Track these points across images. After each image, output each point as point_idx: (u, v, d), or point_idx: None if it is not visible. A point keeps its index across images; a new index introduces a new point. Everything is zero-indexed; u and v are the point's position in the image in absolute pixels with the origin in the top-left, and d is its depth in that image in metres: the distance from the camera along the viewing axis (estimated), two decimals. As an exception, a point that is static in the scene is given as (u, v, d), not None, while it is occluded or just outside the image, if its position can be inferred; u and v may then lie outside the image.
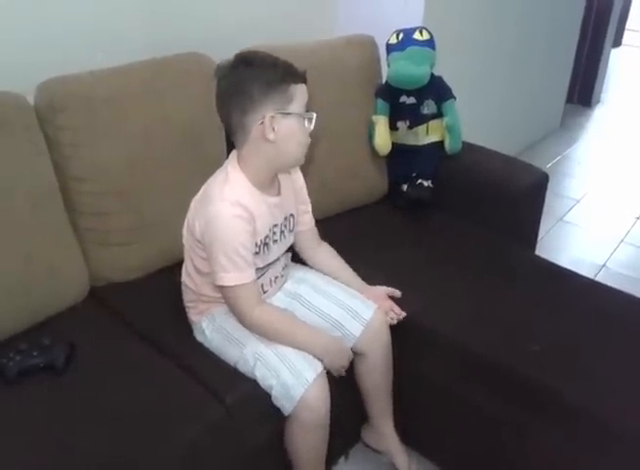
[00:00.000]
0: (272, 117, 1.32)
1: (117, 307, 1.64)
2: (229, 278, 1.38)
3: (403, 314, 1.63)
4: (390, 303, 1.66)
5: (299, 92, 1.36)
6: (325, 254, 1.69)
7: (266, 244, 1.46)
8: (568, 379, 1.46)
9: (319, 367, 1.41)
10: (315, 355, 1.44)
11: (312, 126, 1.40)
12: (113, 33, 1.90)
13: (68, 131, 1.58)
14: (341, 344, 1.52)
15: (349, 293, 1.62)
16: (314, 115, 1.39)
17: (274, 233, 1.49)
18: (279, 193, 1.49)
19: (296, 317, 1.54)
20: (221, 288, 1.41)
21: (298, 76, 1.35)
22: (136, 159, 1.67)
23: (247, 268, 1.39)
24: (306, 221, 1.63)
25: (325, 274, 1.66)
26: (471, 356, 1.57)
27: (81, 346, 1.45)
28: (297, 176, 1.60)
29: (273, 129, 1.33)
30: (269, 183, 1.46)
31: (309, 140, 1.43)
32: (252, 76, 1.32)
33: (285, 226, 1.53)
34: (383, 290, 1.69)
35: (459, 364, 1.60)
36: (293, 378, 1.37)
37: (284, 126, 1.34)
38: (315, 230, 1.67)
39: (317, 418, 1.41)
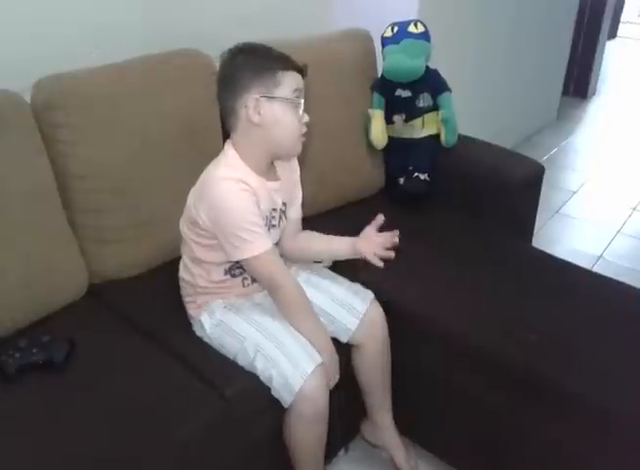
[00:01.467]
0: (256, 99, 1.36)
1: (116, 304, 1.64)
2: (252, 248, 1.39)
3: (391, 254, 1.61)
4: (378, 242, 1.62)
5: (289, 78, 1.39)
6: (304, 238, 1.67)
7: (268, 226, 1.48)
8: (565, 368, 1.46)
9: (318, 359, 1.41)
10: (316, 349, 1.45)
11: (301, 112, 1.42)
12: (109, 30, 1.89)
13: (65, 129, 1.58)
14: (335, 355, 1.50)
15: (344, 286, 1.62)
16: (302, 101, 1.42)
17: (273, 217, 1.50)
18: (278, 178, 1.51)
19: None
20: (246, 262, 1.42)
21: (289, 63, 1.40)
22: (134, 155, 1.68)
23: (264, 235, 1.42)
24: (294, 211, 1.63)
25: (310, 259, 1.67)
26: (468, 347, 1.58)
27: (80, 342, 1.45)
28: (295, 166, 1.61)
29: (259, 113, 1.37)
30: (266, 169, 1.48)
31: (303, 129, 1.45)
32: (243, 63, 1.38)
33: (283, 212, 1.54)
34: (371, 232, 1.64)
35: (457, 355, 1.61)
36: (292, 368, 1.37)
37: (269, 110, 1.38)
38: (299, 223, 1.67)
39: (316, 410, 1.42)
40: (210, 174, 1.43)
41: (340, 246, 1.66)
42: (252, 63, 1.38)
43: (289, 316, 1.46)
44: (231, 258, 1.44)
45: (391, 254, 1.61)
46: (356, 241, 1.63)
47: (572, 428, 1.44)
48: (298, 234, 1.68)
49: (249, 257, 1.40)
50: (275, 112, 1.39)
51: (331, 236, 1.68)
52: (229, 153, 1.44)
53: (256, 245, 1.39)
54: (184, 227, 1.50)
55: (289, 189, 1.57)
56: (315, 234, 1.68)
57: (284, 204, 1.54)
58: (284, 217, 1.57)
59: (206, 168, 1.46)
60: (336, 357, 1.49)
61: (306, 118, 1.44)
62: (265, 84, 1.37)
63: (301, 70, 1.42)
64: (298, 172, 1.62)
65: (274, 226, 1.52)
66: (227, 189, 1.37)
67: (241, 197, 1.38)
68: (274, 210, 1.50)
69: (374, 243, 1.62)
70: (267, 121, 1.39)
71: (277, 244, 1.58)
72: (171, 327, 1.56)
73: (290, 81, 1.39)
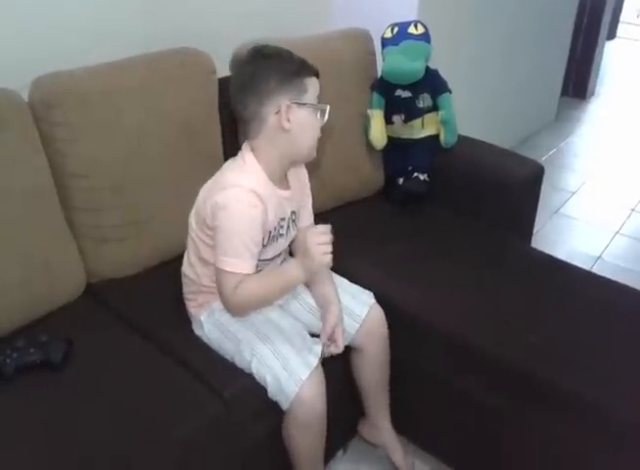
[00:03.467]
0: (288, 106, 1.35)
1: (114, 303, 1.64)
2: (228, 263, 1.37)
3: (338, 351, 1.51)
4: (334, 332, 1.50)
5: (312, 85, 1.40)
6: None
7: (274, 236, 1.47)
8: (565, 369, 1.46)
9: (313, 364, 1.40)
10: (309, 275, 1.41)
11: (325, 119, 1.42)
12: (108, 28, 1.89)
13: (64, 127, 1.57)
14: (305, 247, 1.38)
15: (345, 290, 1.61)
16: (327, 106, 1.41)
17: (281, 227, 1.49)
18: (289, 187, 1.50)
19: (263, 273, 1.49)
20: (217, 270, 1.41)
21: (312, 70, 1.40)
22: (132, 154, 1.67)
23: (249, 259, 1.39)
24: (305, 218, 1.62)
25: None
26: (467, 348, 1.57)
27: (78, 342, 1.44)
28: (304, 173, 1.60)
29: (288, 119, 1.36)
30: (280, 176, 1.47)
31: (320, 134, 1.45)
32: (270, 68, 1.35)
33: (292, 220, 1.54)
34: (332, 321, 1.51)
35: (456, 356, 1.60)
36: (286, 375, 1.37)
37: (298, 117, 1.38)
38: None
39: (313, 414, 1.42)
40: (225, 177, 1.42)
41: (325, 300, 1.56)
42: (279, 68, 1.36)
43: (262, 307, 1.48)
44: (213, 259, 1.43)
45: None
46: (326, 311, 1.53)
47: (572, 428, 1.44)
48: None
49: (219, 267, 1.39)
50: (303, 118, 1.39)
51: (331, 285, 1.58)
52: (247, 158, 1.42)
53: (234, 263, 1.37)
54: (192, 223, 1.49)
55: (299, 197, 1.56)
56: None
57: (293, 213, 1.53)
58: (293, 226, 1.56)
59: (223, 167, 1.46)
60: (312, 243, 1.36)
61: (324, 121, 1.43)
62: (295, 90, 1.36)
63: (318, 74, 1.41)
64: (307, 178, 1.61)
65: (282, 235, 1.51)
66: (239, 199, 1.35)
67: (247, 213, 1.36)
68: (282, 219, 1.49)
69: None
70: (295, 128, 1.38)
71: (280, 254, 1.57)
72: (170, 327, 1.56)
73: (313, 87, 1.40)
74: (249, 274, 1.39)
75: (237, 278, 1.38)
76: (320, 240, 1.35)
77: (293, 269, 1.41)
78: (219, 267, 1.39)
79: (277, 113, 1.36)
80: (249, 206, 1.36)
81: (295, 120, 1.37)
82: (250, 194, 1.35)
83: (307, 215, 1.63)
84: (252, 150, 1.42)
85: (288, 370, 1.37)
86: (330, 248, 1.36)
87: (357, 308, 1.58)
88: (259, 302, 1.46)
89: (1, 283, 1.44)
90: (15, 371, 1.34)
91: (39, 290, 1.54)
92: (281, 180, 1.47)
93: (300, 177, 1.58)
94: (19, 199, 1.48)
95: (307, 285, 1.61)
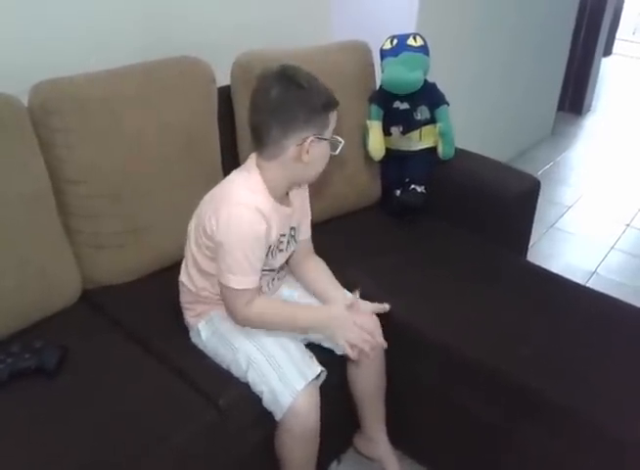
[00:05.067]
0: (312, 140, 1.35)
1: (110, 310, 1.63)
2: (235, 281, 1.39)
3: (382, 344, 1.51)
4: (373, 328, 1.50)
5: (333, 119, 1.40)
6: (314, 266, 1.65)
7: (272, 251, 1.47)
8: (558, 383, 1.46)
9: (309, 376, 1.40)
10: (325, 333, 1.46)
11: (338, 151, 1.43)
12: (107, 36, 1.90)
13: (62, 133, 1.57)
14: (344, 312, 1.46)
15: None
16: (342, 141, 1.42)
17: (281, 242, 1.49)
18: (290, 205, 1.51)
19: (288, 302, 1.55)
20: (222, 285, 1.42)
21: (336, 103, 1.39)
22: (130, 161, 1.67)
23: (253, 274, 1.41)
24: (304, 230, 1.62)
25: (309, 286, 1.63)
26: (461, 361, 1.57)
27: (73, 348, 1.44)
28: (304, 188, 1.60)
29: (307, 152, 1.36)
30: (282, 194, 1.48)
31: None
32: (301, 100, 1.33)
33: (291, 236, 1.54)
34: (369, 308, 1.54)
35: (450, 368, 1.60)
36: (282, 386, 1.37)
37: (317, 150, 1.38)
38: (310, 242, 1.66)
39: (306, 427, 1.41)
40: (230, 191, 1.42)
41: (330, 298, 1.57)
42: (310, 101, 1.34)
43: (273, 330, 1.47)
44: (217, 276, 1.44)
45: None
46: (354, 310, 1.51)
47: (568, 443, 1.44)
48: (311, 259, 1.65)
49: (225, 284, 1.40)
50: (321, 151, 1.40)
51: (335, 285, 1.61)
52: (253, 175, 1.41)
53: (238, 279, 1.39)
54: (192, 233, 1.49)
55: (300, 213, 1.57)
56: (323, 276, 1.63)
57: (292, 229, 1.54)
58: (293, 242, 1.56)
59: (227, 178, 1.46)
60: (350, 320, 1.44)
61: (336, 153, 1.43)
62: (320, 126, 1.36)
63: (338, 105, 1.40)
64: (307, 190, 1.61)
65: (281, 251, 1.52)
66: (243, 216, 1.36)
67: (251, 230, 1.36)
68: (283, 235, 1.49)
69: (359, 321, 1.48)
70: (312, 160, 1.38)
71: (281, 267, 1.59)
72: (166, 334, 1.55)
73: (334, 120, 1.40)
74: (257, 289, 1.43)
75: (244, 294, 1.41)
76: (367, 326, 1.44)
77: (320, 310, 1.48)
78: (225, 284, 1.40)
79: (299, 145, 1.35)
80: (254, 224, 1.36)
81: (313, 153, 1.37)
82: (255, 212, 1.36)
83: (306, 227, 1.63)
84: (260, 168, 1.41)
85: (283, 381, 1.37)
86: (370, 340, 1.44)
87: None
88: (269, 322, 1.47)
89: (-3, 288, 1.44)
90: (9, 377, 1.34)
91: (35, 295, 1.53)
92: (283, 197, 1.48)
93: (302, 193, 1.58)
94: (16, 204, 1.48)
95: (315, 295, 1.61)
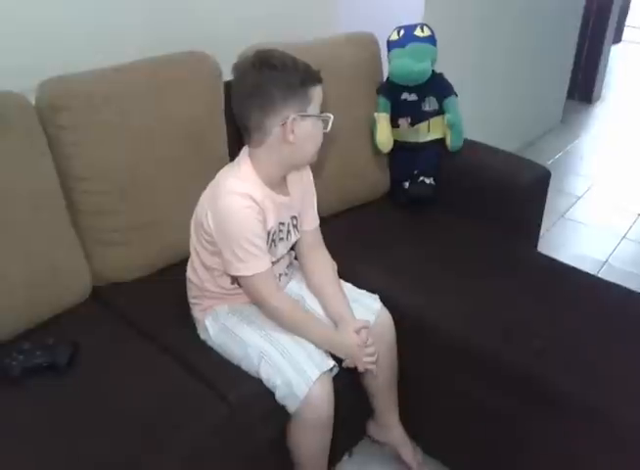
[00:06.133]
0: (294, 119, 1.34)
1: (120, 307, 1.64)
2: (247, 268, 1.39)
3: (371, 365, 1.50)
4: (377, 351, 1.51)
5: (317, 94, 1.38)
6: (321, 263, 1.62)
7: (273, 240, 1.47)
8: (569, 374, 1.46)
9: (324, 366, 1.40)
10: (334, 353, 1.46)
11: (329, 128, 1.41)
12: (113, 32, 1.90)
13: (70, 130, 1.57)
14: (356, 341, 1.47)
15: (351, 295, 1.60)
16: (331, 116, 1.40)
17: (280, 231, 1.49)
18: (288, 193, 1.50)
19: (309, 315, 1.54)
20: (239, 278, 1.43)
21: (316, 78, 1.37)
22: (138, 157, 1.67)
23: (263, 256, 1.40)
24: (310, 220, 1.61)
25: (313, 285, 1.60)
26: (473, 352, 1.57)
27: (84, 345, 1.45)
28: (307, 173, 1.59)
29: (292, 131, 1.35)
30: (279, 183, 1.47)
31: (322, 140, 1.44)
32: (274, 79, 1.32)
33: (292, 225, 1.53)
34: (359, 325, 1.51)
35: (461, 360, 1.60)
36: (297, 376, 1.36)
37: (302, 128, 1.36)
38: (319, 233, 1.64)
39: (320, 417, 1.41)
40: (220, 183, 1.42)
41: (337, 312, 1.54)
42: (285, 79, 1.32)
43: (287, 328, 1.46)
44: (226, 271, 1.44)
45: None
46: (347, 323, 1.50)
47: (577, 433, 1.43)
48: (319, 253, 1.62)
49: (239, 275, 1.41)
50: (307, 129, 1.38)
51: (340, 293, 1.57)
52: (243, 166, 1.42)
53: (250, 265, 1.39)
54: (192, 229, 1.49)
55: (300, 202, 1.55)
56: (328, 278, 1.59)
57: (294, 217, 1.53)
58: (294, 231, 1.55)
59: (219, 173, 1.45)
60: (361, 353, 1.47)
61: (327, 129, 1.42)
62: (299, 102, 1.34)
63: (321, 80, 1.39)
64: (311, 177, 1.60)
65: (282, 239, 1.51)
66: (233, 205, 1.36)
67: (245, 214, 1.36)
68: (282, 224, 1.49)
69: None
70: (299, 139, 1.36)
71: (292, 248, 1.59)
72: (175, 330, 1.56)
73: (317, 96, 1.38)
74: (272, 272, 1.44)
75: (262, 277, 1.41)
76: (370, 359, 1.48)
77: (325, 337, 1.48)
78: (241, 275, 1.41)
79: (282, 125, 1.34)
80: (244, 207, 1.36)
81: (299, 132, 1.36)
82: (244, 198, 1.36)
83: (312, 218, 1.61)
84: (251, 157, 1.42)
85: (298, 371, 1.37)
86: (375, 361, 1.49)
87: (364, 315, 1.56)
88: (288, 320, 1.46)
89: (7, 286, 1.45)
90: (21, 373, 1.35)
91: (45, 292, 1.54)
92: (279, 186, 1.47)
93: (304, 178, 1.57)
94: (25, 202, 1.49)
95: (321, 304, 1.59)
